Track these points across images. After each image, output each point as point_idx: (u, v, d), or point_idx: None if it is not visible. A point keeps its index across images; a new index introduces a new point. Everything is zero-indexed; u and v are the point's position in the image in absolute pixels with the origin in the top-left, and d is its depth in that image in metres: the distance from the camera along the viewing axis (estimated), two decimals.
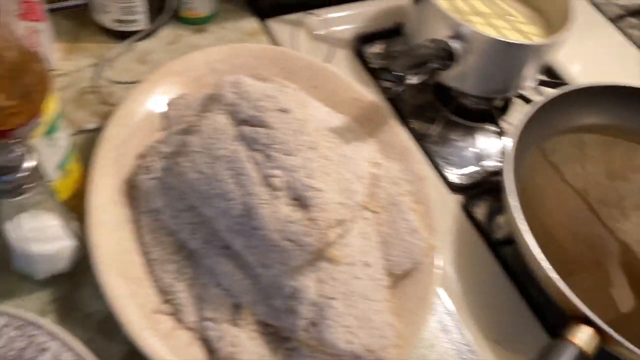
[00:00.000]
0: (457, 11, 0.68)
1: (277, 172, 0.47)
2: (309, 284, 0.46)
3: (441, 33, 0.63)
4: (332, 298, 0.46)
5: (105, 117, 0.61)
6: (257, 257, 0.46)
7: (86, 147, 0.57)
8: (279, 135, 0.48)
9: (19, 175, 0.40)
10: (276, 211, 0.45)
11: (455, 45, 0.60)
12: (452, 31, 0.62)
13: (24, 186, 0.40)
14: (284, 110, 0.50)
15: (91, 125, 0.60)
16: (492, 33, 0.65)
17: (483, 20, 0.68)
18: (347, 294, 0.47)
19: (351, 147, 0.55)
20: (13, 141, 0.40)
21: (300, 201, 0.46)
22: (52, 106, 0.45)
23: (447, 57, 0.59)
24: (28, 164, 0.40)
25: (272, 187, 0.46)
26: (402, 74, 0.50)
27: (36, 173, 0.41)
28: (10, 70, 0.41)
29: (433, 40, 0.60)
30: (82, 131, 0.59)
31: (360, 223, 0.52)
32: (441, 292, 0.55)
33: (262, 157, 0.48)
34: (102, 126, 0.60)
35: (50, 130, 0.46)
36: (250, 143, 0.49)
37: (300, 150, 0.48)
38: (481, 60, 0.64)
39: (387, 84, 0.51)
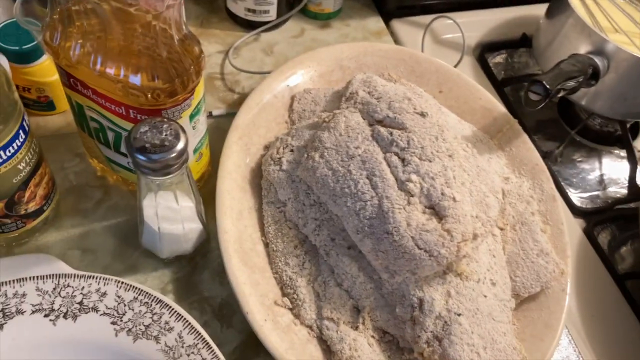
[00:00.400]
0: (599, 27, 0.65)
1: (413, 177, 0.45)
2: (436, 297, 0.44)
3: (582, 48, 0.60)
4: (459, 314, 0.44)
5: (231, 104, 0.62)
6: (385, 262, 0.45)
7: (212, 132, 0.58)
8: (417, 139, 0.47)
9: (170, 155, 0.40)
10: (410, 217, 0.44)
11: (599, 62, 0.57)
12: (595, 48, 0.59)
13: (172, 167, 0.41)
14: (422, 114, 0.49)
15: (218, 112, 0.60)
16: (637, 52, 0.62)
17: (626, 39, 0.64)
18: (473, 312, 0.45)
19: (484, 158, 0.53)
20: (167, 121, 0.41)
21: (436, 210, 0.45)
22: (200, 89, 0.45)
23: (592, 75, 0.56)
24: (179, 145, 0.40)
25: (408, 192, 0.45)
26: (551, 89, 0.48)
27: (184, 154, 0.41)
28: (170, 52, 0.41)
29: (576, 56, 0.57)
30: (210, 116, 0.60)
31: (489, 239, 0.49)
32: None
33: (398, 160, 0.46)
34: (228, 113, 0.60)
35: (195, 113, 0.46)
36: (386, 145, 0.47)
37: (438, 157, 0.46)
38: (621, 80, 0.60)
39: (533, 96, 0.49)
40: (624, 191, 0.65)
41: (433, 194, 0.45)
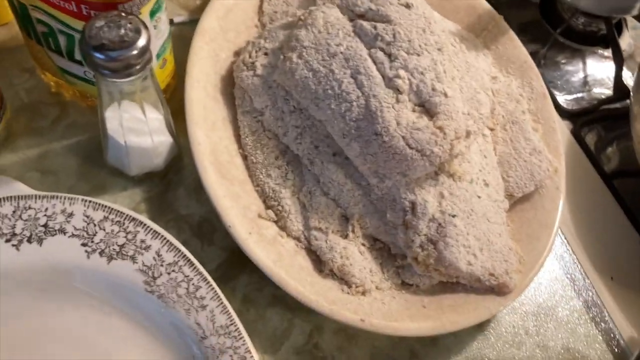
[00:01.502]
0: None
1: (401, 72, 0.42)
2: (429, 199, 0.42)
3: None
4: (454, 215, 0.42)
5: (194, 10, 0.56)
6: (374, 166, 0.42)
7: (176, 41, 0.53)
8: (404, 32, 0.43)
9: (131, 52, 0.35)
10: (400, 116, 0.41)
11: None
12: None
13: (134, 67, 0.36)
14: (407, 5, 0.44)
15: (180, 18, 0.55)
16: None
17: None
18: (467, 213, 0.43)
19: (472, 55, 0.49)
20: (125, 15, 0.36)
21: (426, 107, 0.42)
22: None
23: None
24: (141, 41, 0.36)
25: (396, 90, 0.42)
26: None
27: (147, 53, 0.37)
28: None
29: None
30: (171, 24, 0.54)
31: (479, 139, 0.47)
32: None
33: (384, 55, 0.43)
34: (191, 20, 0.55)
35: (156, 9, 0.41)
36: (370, 40, 0.44)
37: (427, 51, 0.43)
38: None
39: None
40: (609, 92, 0.63)
41: (423, 90, 0.42)
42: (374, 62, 0.43)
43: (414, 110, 0.42)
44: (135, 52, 0.36)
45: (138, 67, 0.37)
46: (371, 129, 0.41)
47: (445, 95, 0.42)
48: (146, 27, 0.36)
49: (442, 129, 0.41)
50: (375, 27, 0.44)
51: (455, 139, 0.41)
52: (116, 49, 0.35)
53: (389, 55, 0.43)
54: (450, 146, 0.41)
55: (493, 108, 0.49)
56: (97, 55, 0.35)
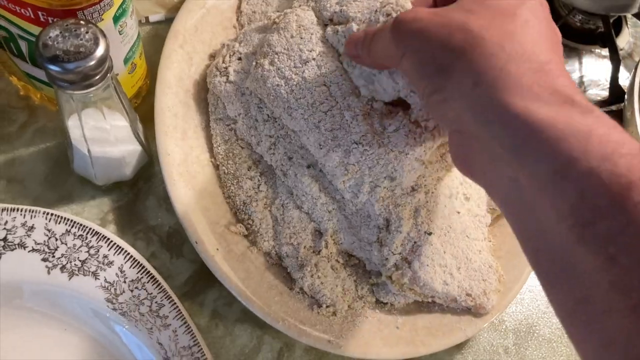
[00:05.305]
0: None
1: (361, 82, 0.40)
2: (404, 215, 0.40)
3: None
4: (430, 233, 0.40)
5: (171, 8, 0.54)
6: (358, 174, 0.40)
7: (150, 41, 0.51)
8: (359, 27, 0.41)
9: (88, 63, 0.34)
10: (375, 122, 0.39)
11: None
12: None
13: (93, 77, 0.35)
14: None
15: (156, 17, 0.53)
16: None
17: None
18: (445, 230, 0.41)
19: None
20: (82, 23, 0.34)
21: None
22: None
23: None
24: (99, 51, 0.34)
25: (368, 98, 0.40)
26: None
27: (106, 63, 0.35)
28: None
29: None
30: (145, 23, 0.52)
31: None
32: None
33: (352, 63, 0.41)
34: (167, 18, 0.53)
35: (120, 14, 0.39)
36: (338, 46, 0.41)
37: None
38: None
39: None
40: (605, 93, 0.60)
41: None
42: (345, 70, 0.41)
43: (390, 112, 0.39)
44: (92, 62, 0.34)
45: (97, 77, 0.35)
46: (349, 139, 0.39)
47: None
48: (104, 36, 0.34)
49: (417, 123, 0.38)
50: (337, 32, 0.41)
51: (434, 128, 0.38)
52: (72, 60, 0.34)
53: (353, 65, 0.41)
54: (432, 136, 0.38)
55: None
56: (52, 67, 0.33)
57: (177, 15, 0.47)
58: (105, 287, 0.39)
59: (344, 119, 0.39)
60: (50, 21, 0.37)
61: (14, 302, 0.39)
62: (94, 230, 0.40)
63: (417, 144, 0.38)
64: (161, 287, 0.39)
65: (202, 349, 0.38)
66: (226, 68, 0.45)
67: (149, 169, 0.46)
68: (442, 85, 0.30)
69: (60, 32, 0.34)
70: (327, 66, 0.41)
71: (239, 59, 0.45)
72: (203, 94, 0.46)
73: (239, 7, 0.51)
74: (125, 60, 0.43)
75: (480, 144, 0.29)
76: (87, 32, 0.34)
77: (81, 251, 0.40)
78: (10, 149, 0.46)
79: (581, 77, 0.62)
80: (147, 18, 0.53)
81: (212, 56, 0.48)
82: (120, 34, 0.40)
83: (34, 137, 0.46)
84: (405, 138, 0.38)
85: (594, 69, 0.62)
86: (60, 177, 0.45)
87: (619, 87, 0.59)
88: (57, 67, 0.33)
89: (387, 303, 0.42)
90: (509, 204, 0.29)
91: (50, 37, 0.34)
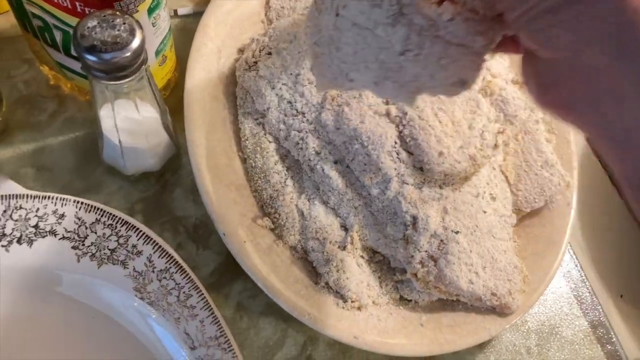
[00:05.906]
0: None
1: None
2: (431, 214, 0.40)
3: None
4: (457, 232, 0.40)
5: (200, 2, 0.54)
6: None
7: (178, 34, 0.51)
8: None
9: (124, 54, 0.34)
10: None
11: None
12: None
13: (128, 68, 0.35)
14: None
15: (184, 10, 0.53)
16: None
17: None
18: (471, 229, 0.41)
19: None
20: (119, 14, 0.35)
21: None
22: None
23: None
24: (135, 42, 0.34)
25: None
26: None
27: (142, 54, 0.35)
28: None
29: None
30: (174, 16, 0.53)
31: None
32: None
33: None
34: (195, 12, 0.54)
35: (154, 6, 0.39)
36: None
37: None
38: None
39: None
40: None
41: None
42: None
43: None
44: (128, 53, 0.34)
45: (132, 68, 0.35)
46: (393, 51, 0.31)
47: None
48: (140, 27, 0.35)
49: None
50: None
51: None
52: (108, 51, 0.34)
53: None
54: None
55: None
56: (89, 57, 0.34)
57: (207, 9, 0.48)
58: (133, 276, 0.39)
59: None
60: (87, 12, 0.37)
61: (51, 289, 0.39)
62: (123, 219, 0.40)
63: (480, 34, 0.26)
64: (189, 277, 0.39)
65: (229, 339, 0.38)
66: (256, 62, 0.45)
67: (176, 161, 0.47)
68: None
69: (98, 23, 0.34)
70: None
71: (269, 53, 0.45)
72: (232, 87, 0.47)
73: (267, 3, 0.51)
74: (157, 52, 0.43)
75: (599, 76, 0.23)
76: (123, 23, 0.34)
77: (110, 240, 0.40)
78: (41, 138, 0.46)
79: None
80: (175, 11, 0.53)
81: (241, 50, 0.48)
82: (153, 26, 0.41)
83: (63, 127, 0.47)
84: (465, 26, 0.26)
85: None
86: (89, 167, 0.46)
87: None
88: (94, 57, 0.34)
89: (411, 300, 0.42)
90: (624, 146, 0.24)
91: (88, 28, 0.34)
